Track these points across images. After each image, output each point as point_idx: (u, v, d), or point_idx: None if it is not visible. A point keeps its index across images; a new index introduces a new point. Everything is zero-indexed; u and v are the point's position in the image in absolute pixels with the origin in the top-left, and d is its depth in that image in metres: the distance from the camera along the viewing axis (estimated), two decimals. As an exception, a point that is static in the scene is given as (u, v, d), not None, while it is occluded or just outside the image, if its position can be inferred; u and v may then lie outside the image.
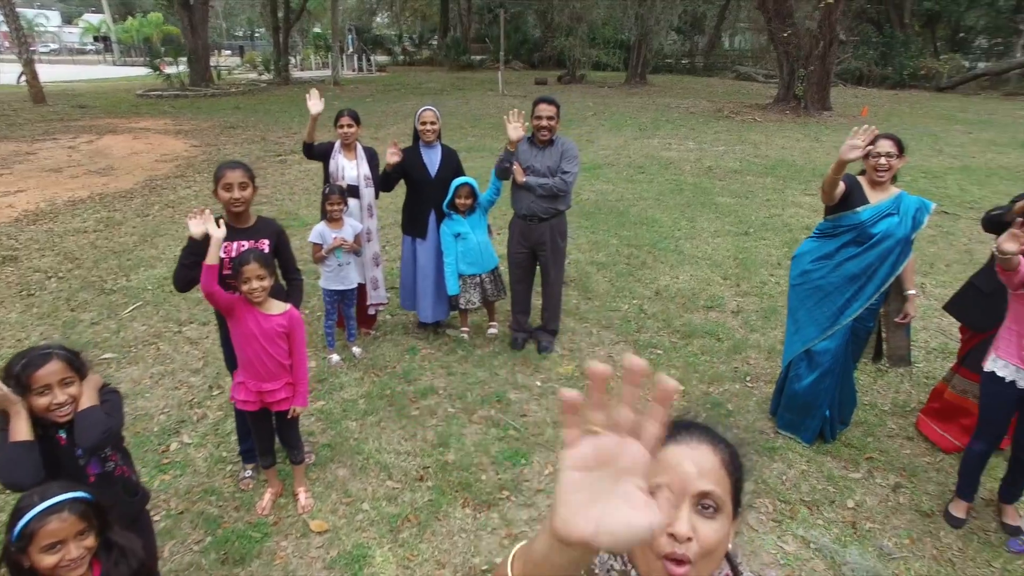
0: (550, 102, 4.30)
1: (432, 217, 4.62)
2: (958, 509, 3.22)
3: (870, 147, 3.18)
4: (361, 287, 4.62)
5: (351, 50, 31.91)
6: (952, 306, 3.75)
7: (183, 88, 20.80)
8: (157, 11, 27.96)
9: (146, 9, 33.26)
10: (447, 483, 3.38)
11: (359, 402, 4.10)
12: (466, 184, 4.46)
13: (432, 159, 4.56)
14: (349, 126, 4.42)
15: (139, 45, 31.09)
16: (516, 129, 4.13)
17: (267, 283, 2.80)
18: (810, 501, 3.31)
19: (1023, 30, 26.04)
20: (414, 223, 4.67)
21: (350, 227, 4.30)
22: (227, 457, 3.57)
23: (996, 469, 3.40)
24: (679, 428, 0.99)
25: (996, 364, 2.95)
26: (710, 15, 32.76)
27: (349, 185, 4.46)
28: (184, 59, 22.12)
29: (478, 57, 32.19)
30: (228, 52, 40.34)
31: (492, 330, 4.98)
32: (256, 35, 49.83)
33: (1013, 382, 2.89)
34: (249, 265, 2.76)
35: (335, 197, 4.19)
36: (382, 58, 36.03)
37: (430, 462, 3.55)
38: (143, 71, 23.32)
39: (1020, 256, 2.69)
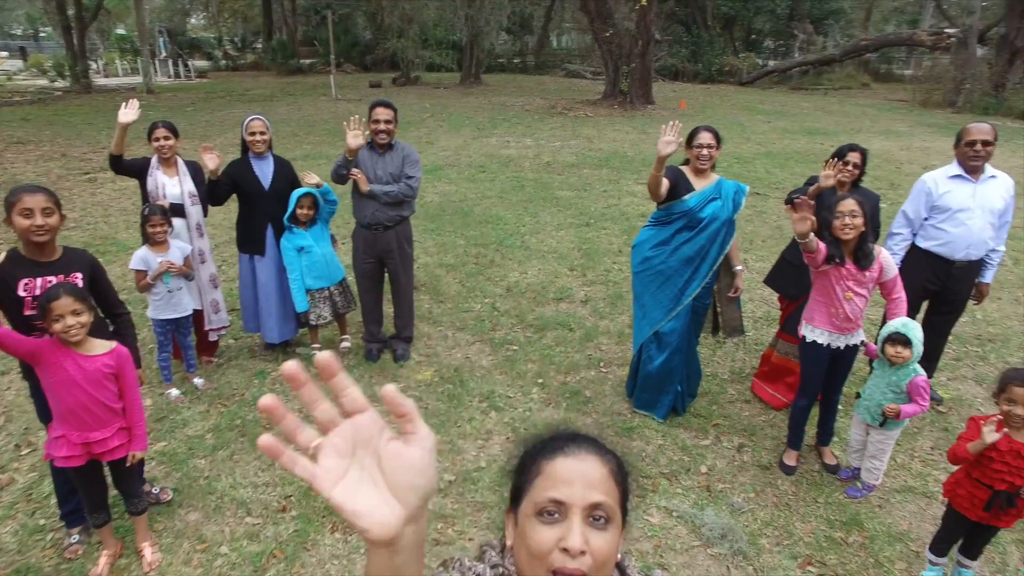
0: (387, 105, 4.21)
1: (270, 232, 4.35)
2: (790, 458, 3.59)
3: (681, 140, 3.44)
4: (197, 313, 4.24)
5: (164, 54, 29.25)
6: (770, 279, 4.17)
7: (-50, 98, 17.91)
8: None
9: None
10: (313, 509, 3.21)
11: (206, 437, 3.77)
12: (308, 194, 4.26)
13: (264, 171, 4.29)
14: (166, 138, 4.04)
15: None
16: (356, 137, 3.99)
17: (85, 319, 2.47)
18: (668, 472, 3.54)
19: (797, 35, 29.79)
20: (250, 240, 4.38)
21: (177, 249, 3.93)
22: (46, 525, 3.11)
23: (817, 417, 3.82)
24: (566, 440, 0.98)
25: (812, 332, 3.32)
26: (537, 15, 33.95)
27: (172, 204, 4.07)
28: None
29: (307, 61, 30.87)
30: (4, 54, 35.11)
31: (345, 343, 4.80)
32: (41, 35, 43.85)
33: (828, 345, 3.28)
34: (60, 300, 2.40)
35: (156, 218, 3.80)
36: (201, 63, 33.36)
37: (292, 490, 3.35)
38: None
39: (818, 240, 3.03)
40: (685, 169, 3.67)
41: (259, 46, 35.11)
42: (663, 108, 18.04)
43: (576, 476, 0.91)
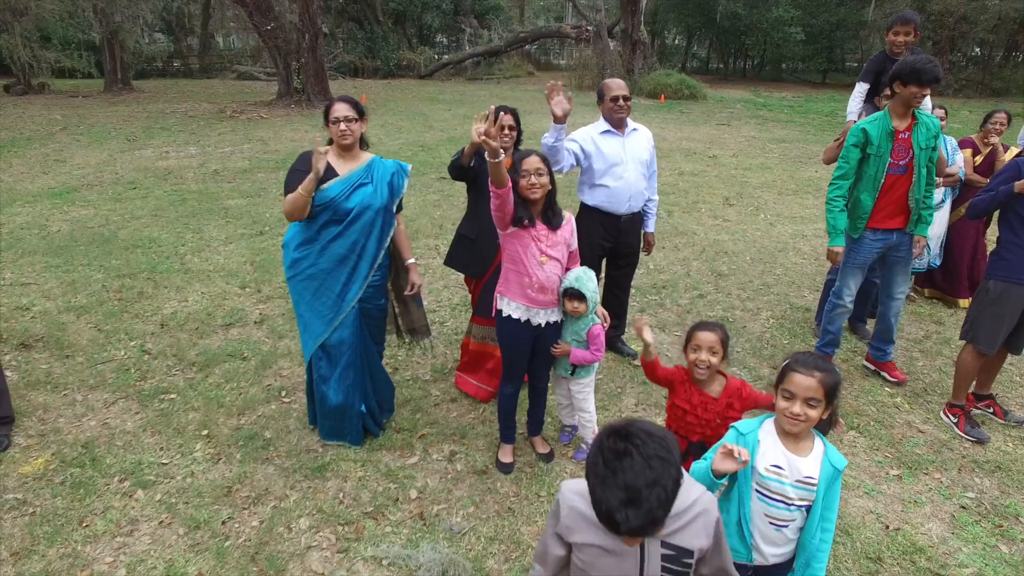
0: None
1: None
2: (505, 455, 3.24)
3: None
4: None
5: None
6: (449, 259, 3.77)
7: None
8: None
9: None
10: None
11: None
12: None
13: None
14: None
15: None
16: None
17: None
18: (373, 510, 2.92)
19: (465, 29, 31.44)
20: None
21: None
22: None
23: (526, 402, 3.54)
24: None
25: (508, 306, 2.95)
26: (194, 13, 30.47)
27: None
28: None
29: None
30: None
31: None
32: None
33: (528, 321, 2.93)
34: None
35: None
36: None
37: None
38: None
39: (509, 177, 2.67)
40: (329, 151, 3.04)
41: None
42: (345, 104, 17.35)
43: None
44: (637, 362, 4.20)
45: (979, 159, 5.10)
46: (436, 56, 30.39)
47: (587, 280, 2.88)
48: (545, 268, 2.83)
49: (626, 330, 4.37)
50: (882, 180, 3.62)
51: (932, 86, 3.41)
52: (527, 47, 31.39)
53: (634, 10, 21.51)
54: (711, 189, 9.10)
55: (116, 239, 6.46)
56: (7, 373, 3.81)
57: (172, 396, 3.79)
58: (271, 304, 4.95)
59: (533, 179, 2.73)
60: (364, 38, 28.56)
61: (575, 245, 2.98)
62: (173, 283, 5.35)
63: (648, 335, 2.43)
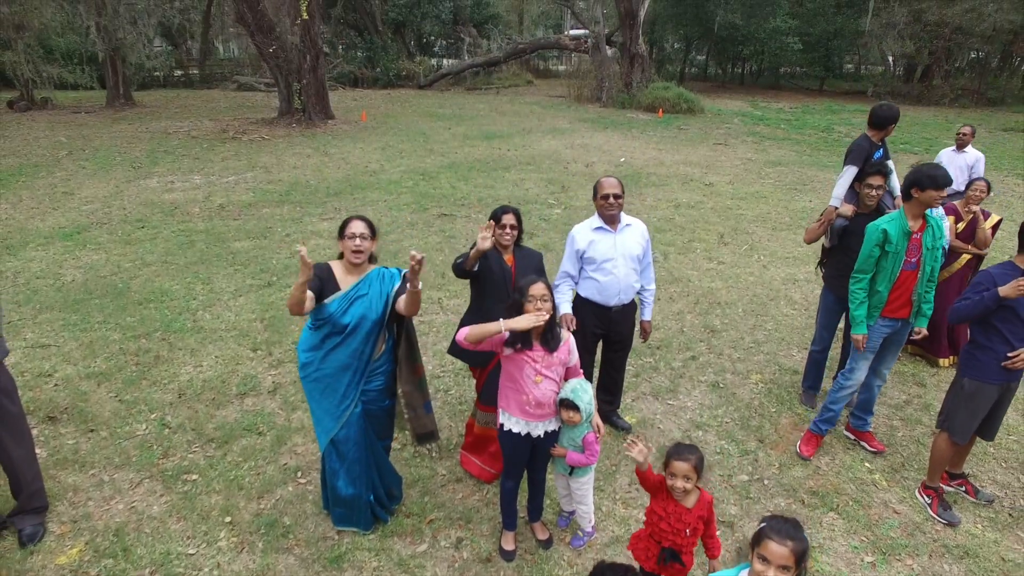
0: None
1: None
2: (508, 542, 3.48)
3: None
4: None
5: None
6: (453, 349, 3.97)
7: None
8: None
9: None
10: None
11: None
12: None
13: None
14: None
15: None
16: None
17: None
18: (386, 604, 3.17)
19: (464, 38, 31.61)
20: None
21: None
22: None
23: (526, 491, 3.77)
24: None
25: (509, 421, 3.19)
26: (194, 19, 30.57)
27: None
28: None
29: None
30: None
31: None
32: None
33: (528, 434, 3.17)
34: None
35: None
36: None
37: None
38: None
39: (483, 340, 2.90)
40: (336, 265, 3.25)
41: None
42: (344, 122, 17.55)
43: None
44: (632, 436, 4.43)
45: (961, 226, 5.33)
46: (436, 65, 30.58)
47: (582, 392, 3.09)
48: (541, 387, 3.05)
49: (620, 404, 4.61)
50: (897, 274, 3.91)
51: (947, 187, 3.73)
52: (526, 56, 31.58)
53: (632, 24, 21.71)
54: (707, 224, 9.33)
55: (129, 291, 6.68)
56: (36, 450, 4.03)
57: (194, 477, 4.02)
58: (282, 370, 5.18)
59: (539, 304, 2.91)
60: (364, 47, 28.73)
61: (574, 361, 3.19)
62: (187, 345, 5.57)
63: (638, 454, 2.68)
